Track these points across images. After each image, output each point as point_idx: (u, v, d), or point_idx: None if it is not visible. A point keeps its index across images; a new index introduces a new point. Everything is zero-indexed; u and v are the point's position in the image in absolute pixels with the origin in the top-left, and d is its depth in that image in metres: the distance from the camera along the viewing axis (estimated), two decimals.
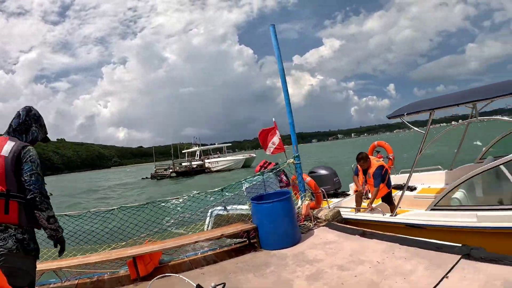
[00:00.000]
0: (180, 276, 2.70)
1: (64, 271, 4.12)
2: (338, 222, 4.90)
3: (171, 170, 43.51)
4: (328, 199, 6.15)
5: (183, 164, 46.33)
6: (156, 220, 5.00)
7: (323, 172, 7.39)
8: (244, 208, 5.44)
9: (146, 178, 47.17)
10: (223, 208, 5.52)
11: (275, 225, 4.29)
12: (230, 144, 63.83)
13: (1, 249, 1.90)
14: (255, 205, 4.52)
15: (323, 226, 4.82)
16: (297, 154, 5.23)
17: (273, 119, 6.09)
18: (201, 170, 44.38)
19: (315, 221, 4.99)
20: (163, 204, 5.05)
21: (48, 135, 2.43)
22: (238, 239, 5.07)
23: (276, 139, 5.93)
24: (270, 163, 5.88)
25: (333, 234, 4.33)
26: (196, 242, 4.27)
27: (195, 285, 2.55)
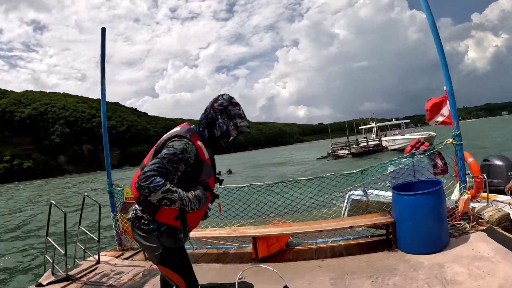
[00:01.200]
0: (274, 270, 2.44)
1: (195, 239, 4.53)
2: (502, 229, 3.44)
3: (346, 152, 42.49)
4: (490, 194, 4.73)
5: (360, 143, 44.75)
6: (287, 201, 4.84)
7: (497, 162, 5.60)
8: (387, 195, 4.58)
9: (322, 157, 47.53)
10: (362, 193, 4.82)
11: (415, 223, 3.38)
12: (408, 121, 57.35)
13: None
14: (396, 195, 3.68)
15: (482, 230, 3.48)
16: (458, 133, 3.93)
17: (445, 87, 4.82)
18: (378, 149, 41.81)
19: (474, 222, 3.67)
20: (294, 183, 4.82)
21: (247, 125, 2.14)
22: (377, 230, 4.35)
23: (445, 111, 4.75)
24: (423, 143, 4.70)
25: (490, 247, 3.04)
26: (320, 231, 3.85)
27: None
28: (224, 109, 2.07)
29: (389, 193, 4.53)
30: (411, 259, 3.18)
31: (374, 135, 46.89)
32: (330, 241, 4.26)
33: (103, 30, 5.05)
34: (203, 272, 3.65)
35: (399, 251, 3.46)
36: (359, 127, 53.52)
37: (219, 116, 2.06)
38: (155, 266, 4.06)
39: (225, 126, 2.06)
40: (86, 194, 5.01)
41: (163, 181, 1.74)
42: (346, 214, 4.93)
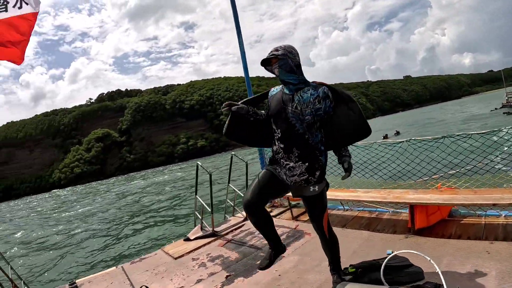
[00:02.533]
0: (429, 260, 1.94)
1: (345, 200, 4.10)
2: None
3: None
4: None
5: None
6: (454, 160, 3.81)
7: None
8: None
9: (496, 109, 39.39)
10: None
11: None
12: None
13: None
14: None
15: None
16: None
17: None
18: None
19: None
20: (464, 138, 3.73)
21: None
22: None
23: None
24: None
25: None
26: (494, 204, 2.80)
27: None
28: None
29: None
30: None
31: None
32: (503, 215, 3.11)
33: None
34: (349, 240, 3.22)
35: None
36: None
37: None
38: (300, 227, 3.95)
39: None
40: (233, 153, 5.26)
41: None
42: None
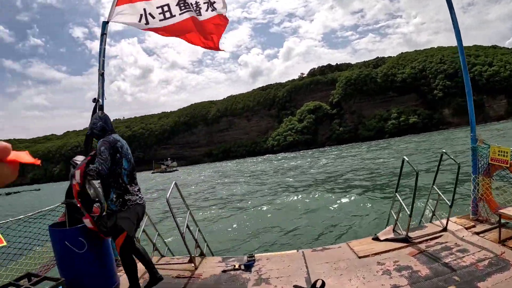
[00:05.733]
0: None
1: None
2: None
3: None
4: None
5: None
6: None
7: None
8: None
9: None
10: None
11: None
12: None
13: None
14: None
15: None
16: None
17: None
18: None
19: None
20: None
21: None
22: None
23: None
24: None
25: None
26: None
27: None
28: None
29: None
30: None
31: None
32: None
33: None
34: None
35: None
36: None
37: None
38: (507, 255, 3.05)
39: None
40: (443, 151, 4.60)
41: None
42: None
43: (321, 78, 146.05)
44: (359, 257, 3.81)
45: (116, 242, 3.21)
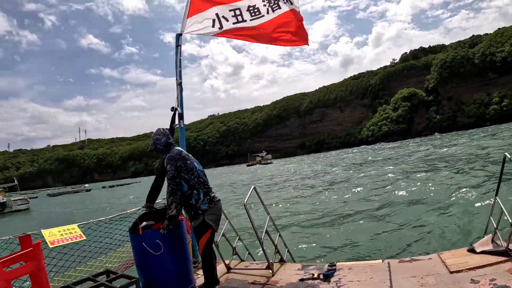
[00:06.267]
0: None
1: None
2: None
3: None
4: None
5: None
6: None
7: None
8: None
9: None
10: None
11: None
12: None
13: None
14: None
15: None
16: None
17: None
18: None
19: None
20: None
21: None
22: None
23: None
24: None
25: None
26: None
27: None
28: None
29: None
30: None
31: None
32: None
33: None
34: None
35: None
36: None
37: None
38: None
39: None
40: (506, 153, 3.86)
41: None
42: None
43: (414, 63, 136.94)
44: (451, 272, 3.41)
45: (200, 242, 3.40)
